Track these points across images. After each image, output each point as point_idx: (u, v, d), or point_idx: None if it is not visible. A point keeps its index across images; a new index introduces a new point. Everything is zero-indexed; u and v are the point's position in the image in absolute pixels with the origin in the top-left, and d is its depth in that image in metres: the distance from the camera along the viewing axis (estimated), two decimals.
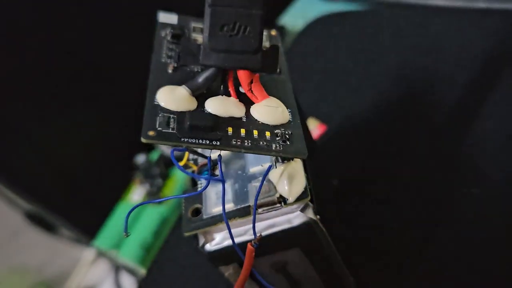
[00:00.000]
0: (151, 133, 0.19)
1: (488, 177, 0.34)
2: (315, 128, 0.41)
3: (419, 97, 0.41)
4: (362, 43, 0.48)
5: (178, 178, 0.47)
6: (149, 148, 0.50)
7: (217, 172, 0.23)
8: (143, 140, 0.19)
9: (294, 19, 0.55)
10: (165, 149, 0.50)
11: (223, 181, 0.20)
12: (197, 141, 0.19)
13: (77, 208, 0.52)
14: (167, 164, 0.48)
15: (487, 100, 0.38)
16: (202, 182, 0.25)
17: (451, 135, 0.38)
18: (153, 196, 0.46)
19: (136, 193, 0.48)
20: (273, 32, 0.27)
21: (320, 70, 0.47)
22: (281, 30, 0.53)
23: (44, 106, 0.48)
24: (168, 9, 0.27)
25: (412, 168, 0.37)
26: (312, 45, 0.51)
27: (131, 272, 0.48)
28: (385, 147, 0.39)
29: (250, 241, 0.21)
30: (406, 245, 0.33)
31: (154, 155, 0.50)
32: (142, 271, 0.45)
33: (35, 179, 0.50)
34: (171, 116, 0.20)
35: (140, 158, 0.49)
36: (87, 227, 0.51)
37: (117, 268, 0.58)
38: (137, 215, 0.46)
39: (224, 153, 0.23)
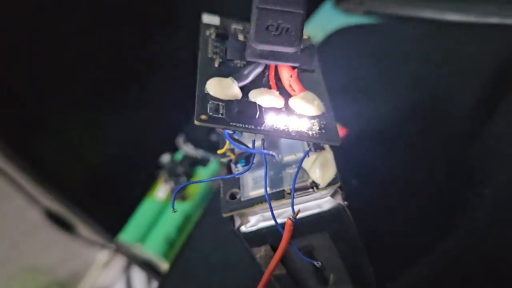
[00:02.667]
0: (203, 117, 0.21)
1: (498, 178, 0.36)
2: None
3: (433, 104, 0.43)
4: (379, 54, 0.50)
5: (201, 177, 0.50)
6: (173, 149, 0.53)
7: (255, 159, 0.26)
8: (196, 123, 0.21)
9: (313, 31, 0.57)
10: (189, 150, 0.52)
11: (265, 155, 0.22)
12: (243, 126, 0.22)
13: (103, 204, 0.54)
14: (191, 163, 0.50)
15: (497, 108, 0.41)
16: (238, 169, 0.27)
17: (463, 139, 0.40)
18: (178, 193, 0.48)
19: (161, 191, 0.50)
20: (306, 36, 0.29)
21: (340, 79, 0.49)
22: None
23: (77, 105, 0.50)
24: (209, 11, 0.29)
25: (427, 169, 0.39)
26: (331, 55, 0.53)
27: (152, 266, 0.50)
28: (401, 149, 0.41)
29: (283, 224, 0.23)
30: (421, 240, 0.35)
31: (179, 155, 0.52)
32: (165, 265, 0.46)
33: (64, 175, 0.52)
34: (220, 103, 0.22)
35: (165, 158, 0.51)
36: (112, 222, 0.52)
37: (129, 268, 0.60)
38: (162, 211, 0.49)
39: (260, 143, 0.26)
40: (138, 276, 0.64)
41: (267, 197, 0.23)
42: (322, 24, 0.57)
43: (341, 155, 0.31)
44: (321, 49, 0.53)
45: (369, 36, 0.53)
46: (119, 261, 0.69)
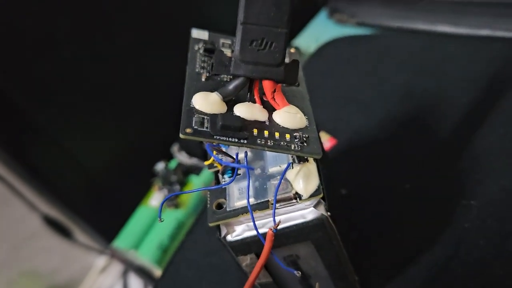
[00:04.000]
0: (188, 130, 0.22)
1: (485, 190, 0.36)
2: (326, 141, 0.44)
3: (423, 116, 0.44)
4: (371, 65, 0.51)
5: (194, 185, 0.50)
6: (168, 157, 0.53)
7: (240, 170, 0.26)
8: (181, 136, 0.22)
9: (307, 41, 0.58)
10: (183, 158, 0.53)
11: (248, 169, 0.23)
12: (227, 139, 0.22)
13: (99, 211, 0.54)
14: (184, 172, 0.51)
15: (485, 120, 0.41)
16: (225, 180, 0.27)
17: (452, 151, 0.40)
18: (171, 201, 0.48)
19: (155, 198, 0.51)
20: (293, 50, 0.30)
21: (332, 89, 0.50)
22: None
23: (75, 114, 0.51)
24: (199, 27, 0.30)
25: (415, 180, 0.39)
26: (324, 65, 0.54)
27: (146, 272, 0.50)
28: (390, 160, 0.42)
29: (266, 234, 0.24)
30: (408, 250, 0.36)
31: (173, 163, 0.52)
32: (158, 271, 0.47)
33: (62, 182, 0.53)
34: (205, 117, 0.23)
35: (160, 166, 0.52)
36: (108, 229, 0.53)
37: (126, 273, 0.60)
38: (155, 219, 0.49)
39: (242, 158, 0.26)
40: (135, 282, 0.65)
41: (249, 208, 0.23)
42: (316, 34, 0.58)
43: (330, 164, 0.31)
44: (314, 59, 0.54)
45: (361, 47, 0.54)
46: (117, 267, 0.69)
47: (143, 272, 0.51)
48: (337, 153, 0.44)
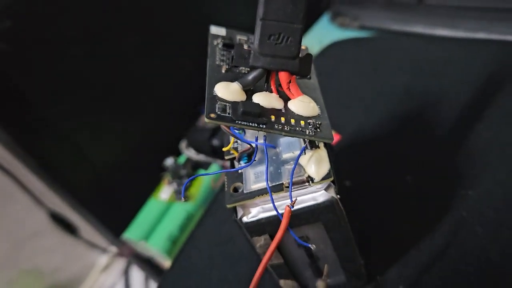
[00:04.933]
0: (212, 115, 0.24)
1: (482, 181, 0.38)
2: None
3: (422, 113, 0.46)
4: (372, 66, 0.53)
5: (203, 179, 0.52)
6: (177, 153, 0.55)
7: (257, 157, 0.28)
8: (206, 120, 0.24)
9: (310, 44, 0.60)
10: (191, 154, 0.55)
11: (266, 147, 0.25)
12: (247, 124, 0.24)
13: (107, 205, 0.56)
14: (193, 166, 0.53)
15: (482, 118, 0.43)
16: (241, 164, 0.29)
17: (450, 146, 0.42)
18: (180, 194, 0.50)
19: (165, 192, 0.52)
20: (304, 47, 0.32)
21: (335, 89, 0.52)
22: None
23: (85, 110, 0.52)
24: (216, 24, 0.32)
25: (416, 172, 0.41)
26: (327, 67, 0.56)
27: (152, 264, 0.52)
28: (391, 154, 0.43)
29: (281, 214, 0.26)
30: (409, 237, 0.37)
31: (182, 158, 0.54)
32: (167, 261, 0.49)
33: (71, 177, 0.54)
34: (227, 104, 0.25)
35: (169, 161, 0.54)
36: (116, 223, 0.55)
37: (128, 271, 0.62)
38: (165, 211, 0.51)
39: (261, 141, 0.28)
40: (137, 277, 0.66)
41: (268, 187, 0.25)
42: (319, 37, 0.60)
43: (335, 158, 0.33)
44: (317, 61, 0.56)
45: (363, 49, 0.56)
46: (119, 265, 0.71)
47: (149, 265, 0.52)
48: (341, 147, 0.46)
